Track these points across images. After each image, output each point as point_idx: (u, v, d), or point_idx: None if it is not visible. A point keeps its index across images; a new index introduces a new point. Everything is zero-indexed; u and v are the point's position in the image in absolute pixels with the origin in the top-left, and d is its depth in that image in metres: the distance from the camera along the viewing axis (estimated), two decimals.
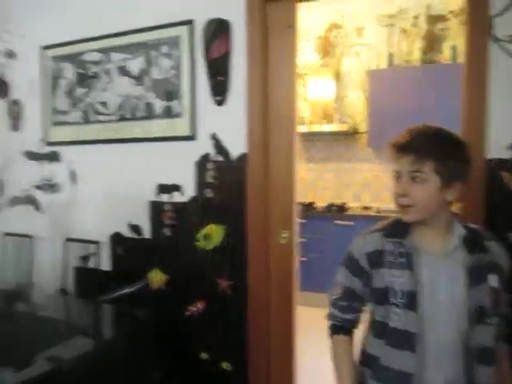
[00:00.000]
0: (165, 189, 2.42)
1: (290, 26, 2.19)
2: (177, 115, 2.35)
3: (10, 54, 2.88)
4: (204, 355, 2.38)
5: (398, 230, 1.26)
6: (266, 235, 2.26)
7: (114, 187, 2.57)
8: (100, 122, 2.58)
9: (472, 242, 1.21)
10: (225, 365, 2.34)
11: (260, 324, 2.27)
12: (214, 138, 2.29)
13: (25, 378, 1.60)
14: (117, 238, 2.59)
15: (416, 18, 4.19)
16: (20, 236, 2.85)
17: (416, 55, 4.22)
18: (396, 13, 4.26)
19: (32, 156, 2.85)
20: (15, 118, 2.88)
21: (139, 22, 2.43)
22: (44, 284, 2.79)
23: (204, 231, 2.34)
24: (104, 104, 2.55)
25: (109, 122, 2.55)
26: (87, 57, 2.59)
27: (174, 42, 2.33)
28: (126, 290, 1.84)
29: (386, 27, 4.32)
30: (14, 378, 1.66)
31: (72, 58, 2.65)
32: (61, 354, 1.76)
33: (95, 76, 2.57)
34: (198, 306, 2.39)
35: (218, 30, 2.25)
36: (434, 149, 1.16)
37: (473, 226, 1.28)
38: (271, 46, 2.20)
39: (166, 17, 2.35)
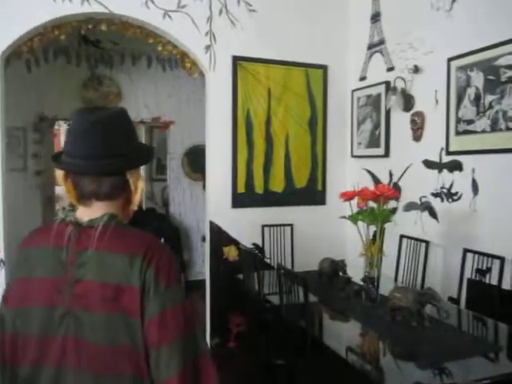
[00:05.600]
0: None
1: None
2: None
3: (416, 70, 3.08)
4: None
5: None
6: None
7: None
8: (511, 129, 2.41)
9: None
10: None
11: None
12: None
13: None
14: None
15: None
16: (415, 240, 3.01)
17: None
18: None
19: (431, 165, 2.97)
20: (418, 128, 3.06)
21: None
22: (435, 289, 2.85)
23: None
24: None
25: None
26: (501, 61, 2.46)
27: None
28: None
29: None
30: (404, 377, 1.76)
31: (482, 65, 2.59)
32: (455, 370, 1.73)
33: (509, 81, 2.42)
34: None
35: None
36: None
37: None
38: None
39: None
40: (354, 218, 2.46)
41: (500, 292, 2.44)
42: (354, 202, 2.53)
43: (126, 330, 0.92)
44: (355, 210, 2.54)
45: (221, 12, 3.42)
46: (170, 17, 3.26)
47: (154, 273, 0.94)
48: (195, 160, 5.40)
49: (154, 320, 0.92)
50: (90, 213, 1.02)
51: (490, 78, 2.54)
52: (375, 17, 3.57)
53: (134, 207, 1.12)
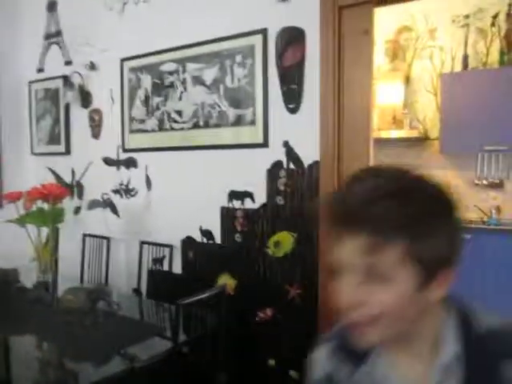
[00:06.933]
0: (236, 195, 2.45)
1: (366, 31, 2.16)
2: (249, 123, 2.38)
3: (92, 67, 3.06)
4: (272, 362, 2.39)
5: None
6: None
7: (187, 192, 2.65)
8: (174, 129, 2.67)
9: (476, 365, 0.70)
10: (293, 374, 2.32)
11: None
12: (287, 145, 2.29)
13: (104, 374, 1.69)
14: (188, 242, 2.66)
15: (495, 17, 3.97)
16: (98, 237, 3.00)
17: (494, 57, 3.99)
18: (473, 12, 4.06)
19: (110, 162, 3.01)
20: (96, 126, 3.05)
21: (214, 33, 2.48)
22: (120, 284, 2.93)
23: (275, 238, 2.34)
24: (179, 112, 2.64)
25: (182, 129, 2.63)
26: (164, 67, 2.69)
27: (248, 51, 2.36)
28: (206, 294, 1.88)
29: (460, 28, 4.12)
30: (93, 373, 1.76)
31: (149, 69, 2.77)
32: (137, 354, 1.83)
33: (171, 85, 2.66)
34: (266, 313, 2.40)
35: (292, 38, 2.25)
36: (407, 221, 0.64)
37: (487, 324, 0.73)
38: (346, 52, 2.17)
39: (240, 26, 2.39)
40: (20, 221, 2.25)
41: (172, 276, 2.69)
42: None
43: None
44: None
45: None
46: None
47: None
48: None
49: None
50: None
51: (156, 81, 2.74)
52: (52, 6, 3.36)
53: None
